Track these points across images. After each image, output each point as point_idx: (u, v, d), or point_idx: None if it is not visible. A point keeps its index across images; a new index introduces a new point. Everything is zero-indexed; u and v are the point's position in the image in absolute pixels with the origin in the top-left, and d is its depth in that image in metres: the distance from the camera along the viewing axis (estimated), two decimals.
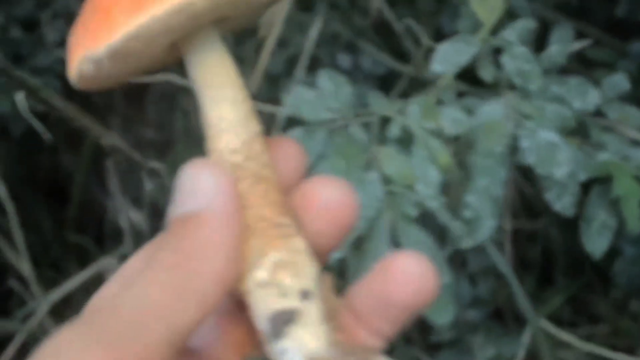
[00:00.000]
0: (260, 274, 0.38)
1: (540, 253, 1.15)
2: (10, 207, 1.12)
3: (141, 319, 0.35)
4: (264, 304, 0.37)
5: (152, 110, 1.45)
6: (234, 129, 0.40)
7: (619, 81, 0.90)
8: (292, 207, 0.40)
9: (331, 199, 0.40)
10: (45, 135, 0.85)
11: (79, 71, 0.39)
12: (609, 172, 0.85)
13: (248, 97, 0.41)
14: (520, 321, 1.07)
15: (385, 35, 1.09)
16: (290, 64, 1.18)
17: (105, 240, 1.45)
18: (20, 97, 0.80)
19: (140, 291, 0.36)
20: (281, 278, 0.37)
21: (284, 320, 0.37)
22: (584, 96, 0.81)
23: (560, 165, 0.76)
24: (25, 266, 1.18)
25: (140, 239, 1.32)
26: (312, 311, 0.37)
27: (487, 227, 0.75)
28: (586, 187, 0.87)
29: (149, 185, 1.33)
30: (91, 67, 0.39)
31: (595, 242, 0.85)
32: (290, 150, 0.42)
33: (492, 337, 1.06)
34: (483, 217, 0.75)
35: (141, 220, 1.30)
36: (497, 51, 0.81)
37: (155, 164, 1.29)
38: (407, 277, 0.41)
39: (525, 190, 1.02)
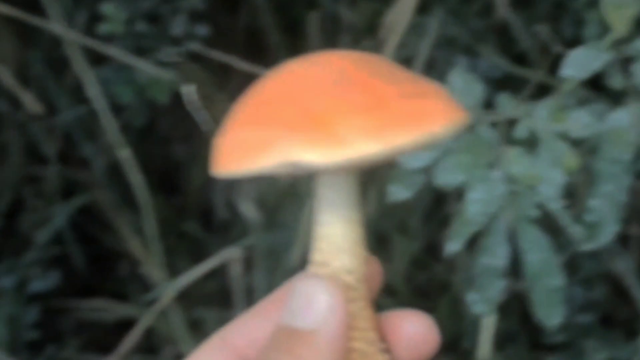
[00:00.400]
0: None
1: None
2: (145, 196, 1.15)
3: None
4: None
5: None
6: (351, 250, 0.40)
7: None
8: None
9: (417, 333, 0.43)
10: (206, 124, 0.85)
11: (264, 169, 0.36)
12: None
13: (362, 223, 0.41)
14: (633, 328, 1.06)
15: (502, 39, 1.10)
16: (406, 65, 1.19)
17: (214, 230, 1.49)
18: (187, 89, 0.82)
19: None
20: None
21: None
22: None
23: None
24: (155, 254, 1.22)
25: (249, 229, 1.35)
26: None
27: (609, 232, 0.75)
28: None
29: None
30: (281, 170, 0.36)
31: None
32: (374, 269, 0.44)
33: (606, 341, 1.06)
34: (606, 222, 0.75)
35: (251, 211, 1.33)
36: (624, 60, 0.81)
37: None
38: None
39: None
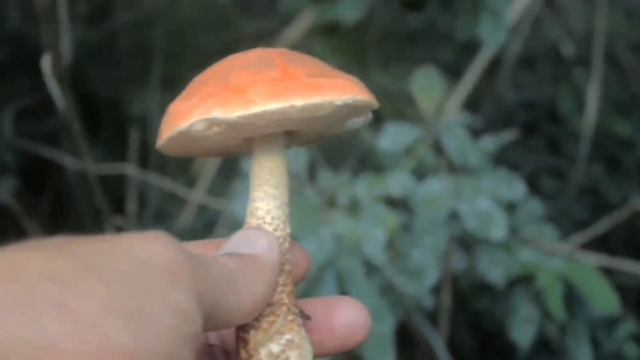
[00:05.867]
0: (275, 347, 0.44)
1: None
2: None
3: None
4: None
5: None
6: (277, 225, 0.46)
7: (534, 206, 1.00)
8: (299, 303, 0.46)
9: (351, 320, 0.46)
10: None
11: (188, 127, 0.42)
12: (530, 272, 0.93)
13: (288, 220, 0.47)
14: None
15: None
16: None
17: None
18: None
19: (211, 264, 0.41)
20: (289, 356, 0.44)
21: None
22: (512, 187, 0.89)
23: (497, 228, 0.83)
24: None
25: None
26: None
27: (431, 277, 0.80)
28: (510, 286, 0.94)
29: None
30: (203, 128, 0.42)
31: (521, 332, 0.92)
32: (301, 254, 0.48)
33: None
34: (428, 268, 0.80)
35: None
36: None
37: None
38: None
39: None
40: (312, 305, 0.46)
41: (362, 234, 0.83)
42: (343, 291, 0.81)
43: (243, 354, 0.43)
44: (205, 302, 0.37)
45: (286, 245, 0.45)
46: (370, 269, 0.82)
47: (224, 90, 0.43)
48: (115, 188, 1.34)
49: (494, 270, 0.86)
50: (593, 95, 1.14)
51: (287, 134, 0.46)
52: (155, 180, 1.12)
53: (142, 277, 0.35)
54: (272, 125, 0.43)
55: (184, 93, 0.45)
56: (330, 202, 0.86)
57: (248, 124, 0.42)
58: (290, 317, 0.45)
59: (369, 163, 0.88)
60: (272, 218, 0.46)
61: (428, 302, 0.82)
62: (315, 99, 0.42)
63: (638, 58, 1.49)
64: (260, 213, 0.46)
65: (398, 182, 0.84)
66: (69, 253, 0.34)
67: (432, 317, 0.94)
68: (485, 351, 1.31)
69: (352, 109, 0.43)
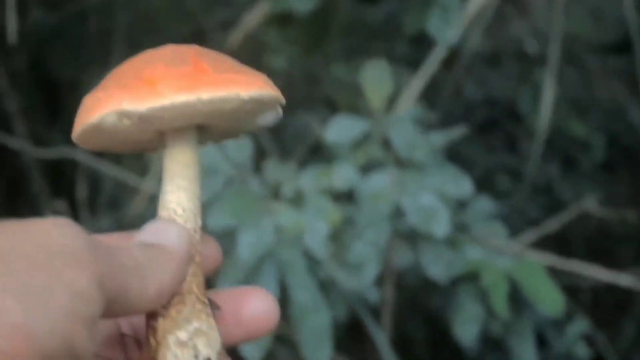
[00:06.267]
0: (182, 334, 0.45)
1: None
2: None
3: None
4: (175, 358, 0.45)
5: None
6: (188, 217, 0.47)
7: (485, 204, 0.99)
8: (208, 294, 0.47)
9: (259, 311, 0.48)
10: None
11: (100, 120, 0.43)
12: (476, 269, 0.92)
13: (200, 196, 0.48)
14: None
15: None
16: None
17: None
18: None
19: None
20: (197, 343, 0.45)
21: None
22: (459, 184, 0.89)
23: (440, 224, 0.83)
24: None
25: None
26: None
27: (371, 272, 0.80)
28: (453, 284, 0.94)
29: None
30: (114, 121, 0.43)
31: (465, 330, 0.91)
32: (212, 247, 0.49)
33: None
34: (368, 263, 0.80)
35: None
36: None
37: None
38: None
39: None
40: (223, 296, 0.47)
41: (305, 226, 0.82)
42: (282, 283, 0.81)
43: (152, 341, 0.44)
44: (107, 287, 0.38)
45: (197, 237, 0.46)
46: (312, 262, 0.81)
47: (136, 83, 0.44)
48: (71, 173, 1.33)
49: (435, 266, 0.86)
50: (548, 94, 1.14)
51: (200, 128, 0.47)
52: (106, 167, 1.11)
53: (43, 260, 0.36)
54: (182, 119, 0.45)
55: (99, 85, 0.45)
56: (275, 194, 0.85)
57: (158, 117, 0.43)
58: (198, 307, 0.45)
59: (319, 154, 0.88)
60: (183, 210, 0.46)
61: (373, 296, 0.81)
62: (222, 92, 0.43)
63: (600, 59, 1.49)
64: (171, 205, 0.46)
65: (343, 176, 0.83)
66: None
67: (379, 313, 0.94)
68: (438, 348, 1.31)
69: (259, 104, 0.45)
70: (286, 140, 1.07)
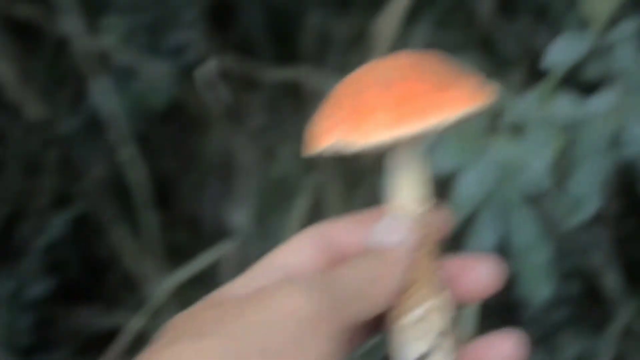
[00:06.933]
0: (419, 311, 0.50)
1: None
2: (145, 196, 1.19)
3: None
4: (414, 336, 0.50)
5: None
6: (416, 207, 0.51)
7: None
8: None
9: (484, 279, 0.52)
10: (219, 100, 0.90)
11: (325, 150, 0.49)
12: None
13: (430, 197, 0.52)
14: (607, 322, 1.12)
15: (486, 47, 1.16)
16: None
17: (204, 242, 1.53)
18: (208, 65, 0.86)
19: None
20: (433, 318, 0.50)
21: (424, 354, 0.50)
22: None
23: None
24: (153, 254, 1.25)
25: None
26: (445, 345, 0.50)
27: (590, 207, 0.81)
28: None
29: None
30: (337, 150, 0.48)
31: None
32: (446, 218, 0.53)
33: (579, 335, 1.11)
34: (588, 199, 0.81)
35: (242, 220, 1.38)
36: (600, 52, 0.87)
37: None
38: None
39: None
40: (450, 266, 0.52)
41: (526, 159, 0.84)
42: (501, 224, 0.84)
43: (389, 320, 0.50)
44: (340, 324, 0.44)
45: (428, 218, 0.51)
46: (532, 197, 0.84)
47: (354, 114, 0.49)
48: None
49: None
50: None
51: None
52: None
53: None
54: (404, 143, 0.49)
55: (325, 110, 0.50)
56: (492, 126, 0.87)
57: (379, 147, 0.48)
58: (434, 284, 0.51)
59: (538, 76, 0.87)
60: (413, 199, 0.51)
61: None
62: (432, 121, 0.47)
63: None
64: (401, 195, 0.51)
65: (565, 104, 0.83)
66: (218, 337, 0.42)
67: None
68: None
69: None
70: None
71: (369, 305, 0.47)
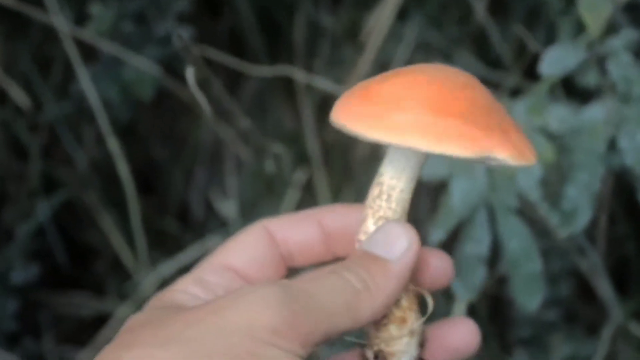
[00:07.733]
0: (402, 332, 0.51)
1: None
2: (130, 187, 1.18)
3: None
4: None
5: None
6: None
7: None
8: None
9: (461, 339, 0.53)
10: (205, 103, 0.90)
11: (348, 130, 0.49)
12: None
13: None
14: (598, 324, 1.11)
15: (479, 45, 1.15)
16: (382, 69, 1.23)
17: (191, 228, 1.52)
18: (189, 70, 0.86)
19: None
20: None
21: None
22: None
23: None
24: (138, 244, 1.25)
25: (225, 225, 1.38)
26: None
27: (584, 218, 0.80)
28: None
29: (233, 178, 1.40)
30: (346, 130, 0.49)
31: None
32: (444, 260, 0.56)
33: (570, 337, 1.10)
34: (581, 209, 0.80)
35: (229, 208, 1.37)
36: (597, 60, 0.86)
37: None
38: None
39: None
40: (430, 329, 0.52)
41: (516, 170, 0.83)
42: (494, 231, 0.83)
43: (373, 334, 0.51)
44: (310, 337, 0.43)
45: None
46: (524, 206, 0.83)
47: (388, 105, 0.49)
48: None
49: None
50: None
51: None
52: None
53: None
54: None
55: (372, 93, 0.50)
56: None
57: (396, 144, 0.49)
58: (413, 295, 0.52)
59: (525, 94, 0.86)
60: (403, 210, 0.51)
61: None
62: (466, 152, 0.49)
63: None
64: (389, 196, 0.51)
65: (558, 115, 0.82)
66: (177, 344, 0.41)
67: None
68: None
69: None
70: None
71: (349, 320, 0.45)
